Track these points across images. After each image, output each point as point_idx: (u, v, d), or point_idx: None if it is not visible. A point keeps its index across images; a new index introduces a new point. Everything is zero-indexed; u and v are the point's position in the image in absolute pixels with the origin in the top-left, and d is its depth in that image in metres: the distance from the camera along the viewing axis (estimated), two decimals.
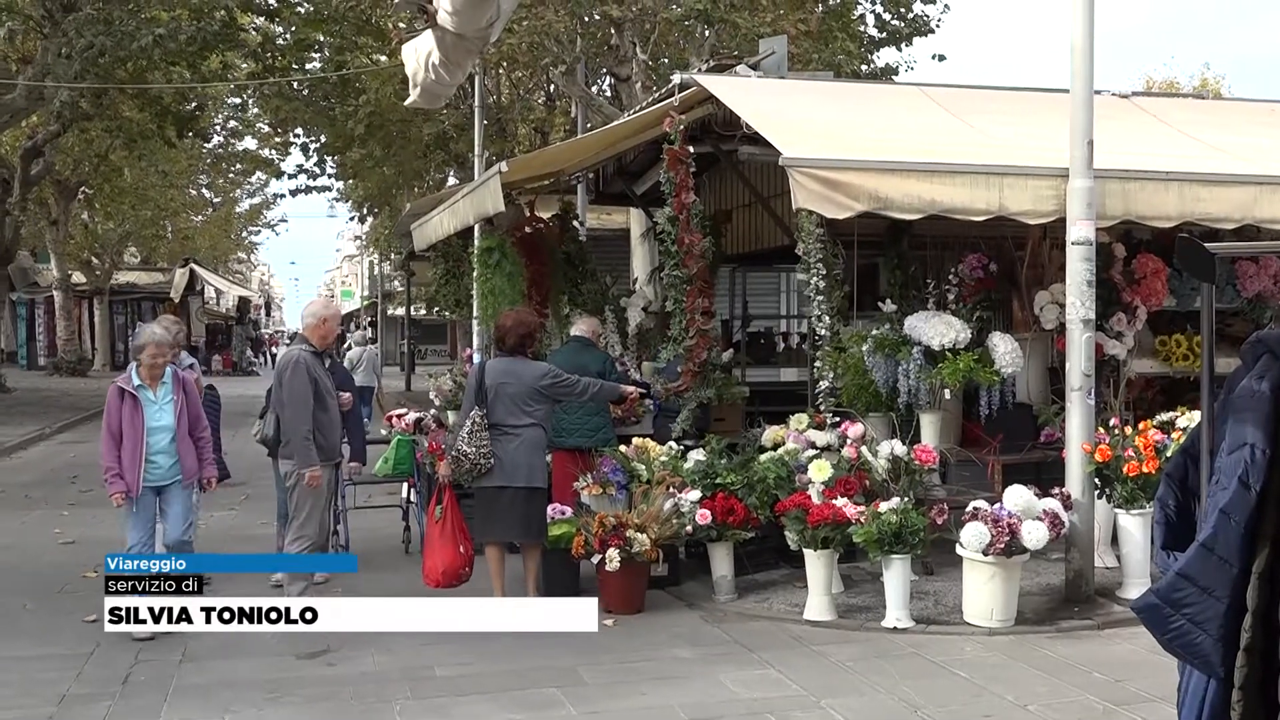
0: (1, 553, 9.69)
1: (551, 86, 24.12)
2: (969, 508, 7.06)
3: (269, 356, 52.00)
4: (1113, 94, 10.50)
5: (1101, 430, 7.68)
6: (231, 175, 42.57)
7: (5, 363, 30.72)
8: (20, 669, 6.45)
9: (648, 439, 8.66)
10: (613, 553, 7.30)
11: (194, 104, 25.99)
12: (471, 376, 7.94)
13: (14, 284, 35.97)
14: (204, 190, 45.44)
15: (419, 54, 8.97)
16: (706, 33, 18.41)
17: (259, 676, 6.25)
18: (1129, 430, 7.80)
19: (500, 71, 24.09)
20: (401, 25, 19.09)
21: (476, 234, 13.44)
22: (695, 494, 7.67)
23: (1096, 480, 7.57)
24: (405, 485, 9.82)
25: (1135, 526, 7.58)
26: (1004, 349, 8.34)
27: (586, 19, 19.44)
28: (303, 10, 23.45)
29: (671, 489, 7.74)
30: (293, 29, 24.08)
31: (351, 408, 8.12)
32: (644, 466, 8.12)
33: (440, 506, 7.38)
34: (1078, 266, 7.43)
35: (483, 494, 7.42)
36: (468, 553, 7.37)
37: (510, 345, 7.58)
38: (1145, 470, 7.42)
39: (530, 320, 7.87)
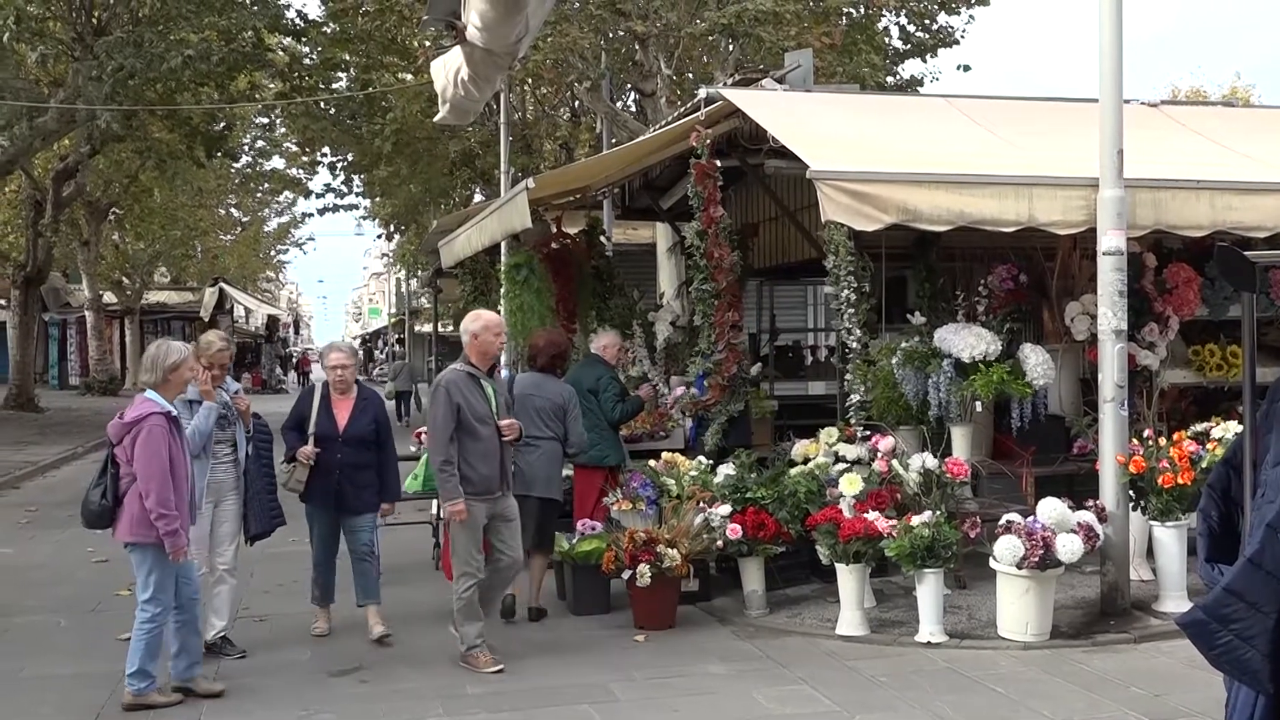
0: (35, 571, 9.77)
1: (576, 102, 24.19)
2: (1002, 521, 7.01)
3: (301, 375, 52.35)
4: (1141, 103, 10.43)
5: (1135, 441, 7.61)
6: (259, 195, 42.92)
7: (37, 382, 30.97)
8: (56, 686, 6.48)
9: (677, 453, 8.63)
10: (643, 568, 7.28)
11: (222, 124, 26.21)
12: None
13: (46, 304, 36.38)
14: (232, 210, 45.86)
15: (448, 70, 9.00)
16: (731, 47, 18.43)
17: (292, 693, 6.27)
18: (1163, 441, 7.72)
19: (525, 88, 24.18)
20: (428, 44, 19.21)
21: (504, 250, 13.46)
22: (725, 509, 7.64)
23: (1131, 492, 7.50)
24: (435, 502, 9.82)
25: (1171, 539, 7.50)
26: (1035, 360, 8.29)
27: (611, 35, 19.50)
28: (329, 30, 23.64)
29: (701, 504, 7.72)
30: (319, 49, 24.28)
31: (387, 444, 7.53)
32: (674, 481, 8.10)
33: None
34: (1109, 277, 7.38)
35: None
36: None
37: (542, 364, 7.91)
38: (1180, 482, 7.36)
39: (561, 340, 8.17)
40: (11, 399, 26.91)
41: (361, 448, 7.28)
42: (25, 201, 28.68)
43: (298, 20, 23.61)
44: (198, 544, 6.65)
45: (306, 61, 24.80)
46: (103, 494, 5.99)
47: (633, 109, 21.55)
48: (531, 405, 7.61)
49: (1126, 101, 7.71)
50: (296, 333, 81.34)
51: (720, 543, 7.57)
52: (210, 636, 6.89)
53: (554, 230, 12.62)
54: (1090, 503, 7.30)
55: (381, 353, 57.25)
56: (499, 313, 10.70)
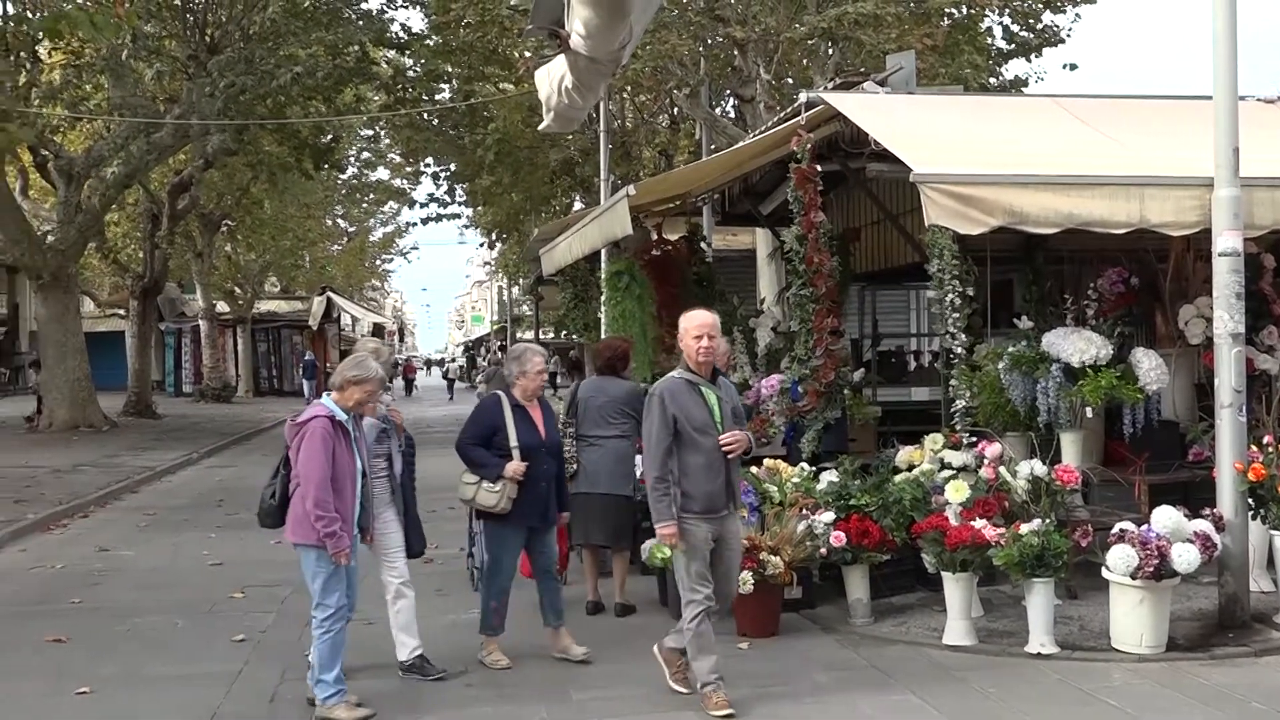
0: (153, 574, 10.08)
1: (675, 109, 24.28)
2: (1115, 529, 6.84)
3: (407, 383, 52.94)
4: (1257, 99, 10.12)
5: (1254, 448, 7.38)
6: (365, 205, 43.87)
7: (154, 390, 32.00)
8: (174, 686, 6.68)
9: (779, 459, 8.59)
10: (746, 575, 7.24)
11: (330, 137, 26.87)
12: (568, 394, 8.74)
13: (163, 314, 37.61)
14: (339, 220, 46.95)
15: (552, 79, 9.10)
16: (831, 51, 18.32)
17: (399, 695, 6.37)
18: None
19: (625, 96, 24.33)
20: (529, 54, 19.44)
21: (604, 258, 13.54)
22: (829, 515, 7.58)
23: (1250, 500, 7.27)
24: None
25: None
26: (1148, 365, 8.08)
27: (710, 41, 19.51)
28: (432, 43, 24.08)
29: (804, 510, 7.67)
30: (423, 61, 24.77)
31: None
32: (776, 488, 8.06)
33: None
34: (1225, 279, 7.17)
35: (574, 500, 7.84)
36: (561, 550, 7.81)
37: (599, 366, 8.49)
38: None
39: (618, 345, 8.71)
40: (130, 406, 27.83)
41: (556, 456, 7.11)
42: (143, 214, 29.77)
43: (401, 34, 24.13)
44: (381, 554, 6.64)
45: (410, 74, 25.34)
46: (272, 494, 6.15)
47: (731, 115, 21.54)
48: (593, 406, 8.11)
49: (1241, 98, 7.49)
50: (401, 340, 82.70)
51: (824, 550, 7.51)
52: (405, 657, 6.65)
53: (654, 237, 12.67)
54: (1207, 511, 7.09)
55: (484, 359, 58.05)
56: (598, 320, 10.70)
